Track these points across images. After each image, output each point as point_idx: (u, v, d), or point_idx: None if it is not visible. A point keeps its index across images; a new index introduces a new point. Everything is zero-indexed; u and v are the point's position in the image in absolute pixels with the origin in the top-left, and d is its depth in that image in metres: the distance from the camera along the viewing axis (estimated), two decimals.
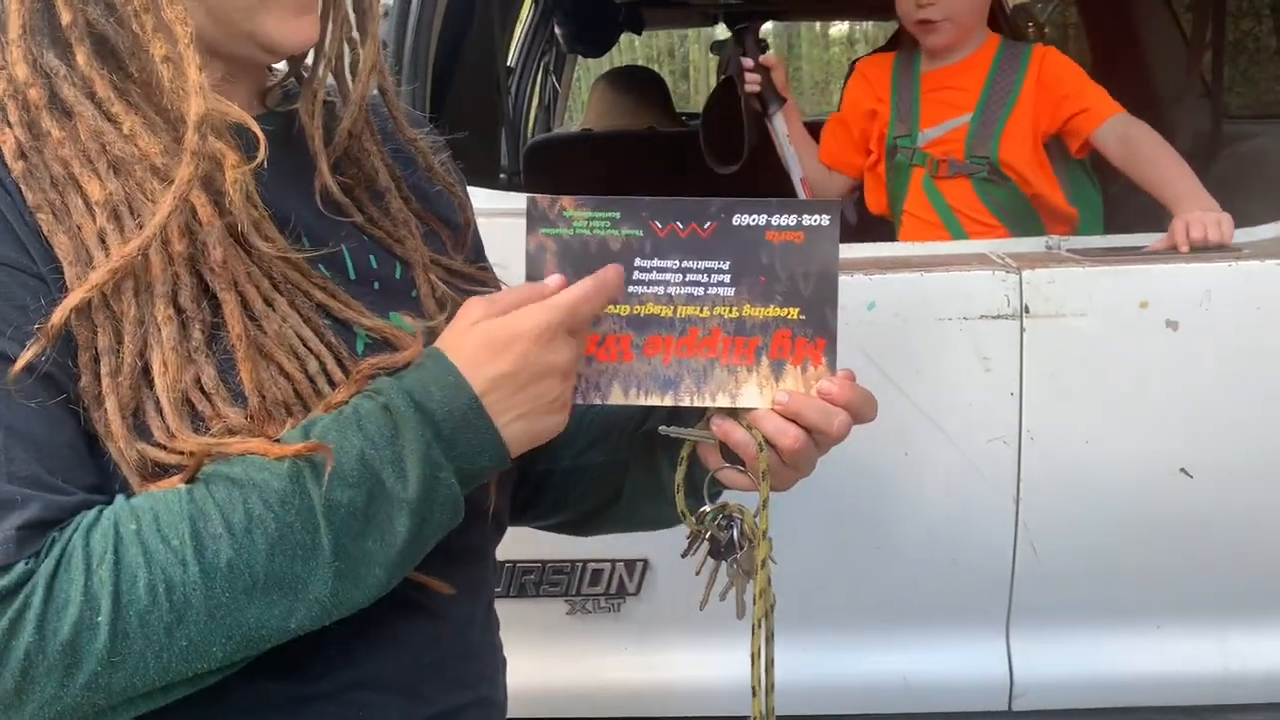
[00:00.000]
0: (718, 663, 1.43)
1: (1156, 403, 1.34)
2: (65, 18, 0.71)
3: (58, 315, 0.66)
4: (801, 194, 2.07)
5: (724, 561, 0.87)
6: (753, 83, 2.09)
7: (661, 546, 1.40)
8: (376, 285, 0.82)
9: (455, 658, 0.83)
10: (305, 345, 0.74)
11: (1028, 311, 1.32)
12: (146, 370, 0.68)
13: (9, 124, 0.70)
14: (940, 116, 1.90)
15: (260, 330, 0.72)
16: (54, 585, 0.62)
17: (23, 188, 0.68)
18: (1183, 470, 1.34)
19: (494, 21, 2.57)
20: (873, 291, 1.32)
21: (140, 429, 0.68)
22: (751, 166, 2.21)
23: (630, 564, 1.43)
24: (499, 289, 0.90)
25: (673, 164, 3.66)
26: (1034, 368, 1.33)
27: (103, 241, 0.68)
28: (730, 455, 0.84)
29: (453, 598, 0.80)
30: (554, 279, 0.77)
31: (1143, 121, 1.74)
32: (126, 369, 0.68)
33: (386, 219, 0.85)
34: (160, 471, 0.68)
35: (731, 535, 0.87)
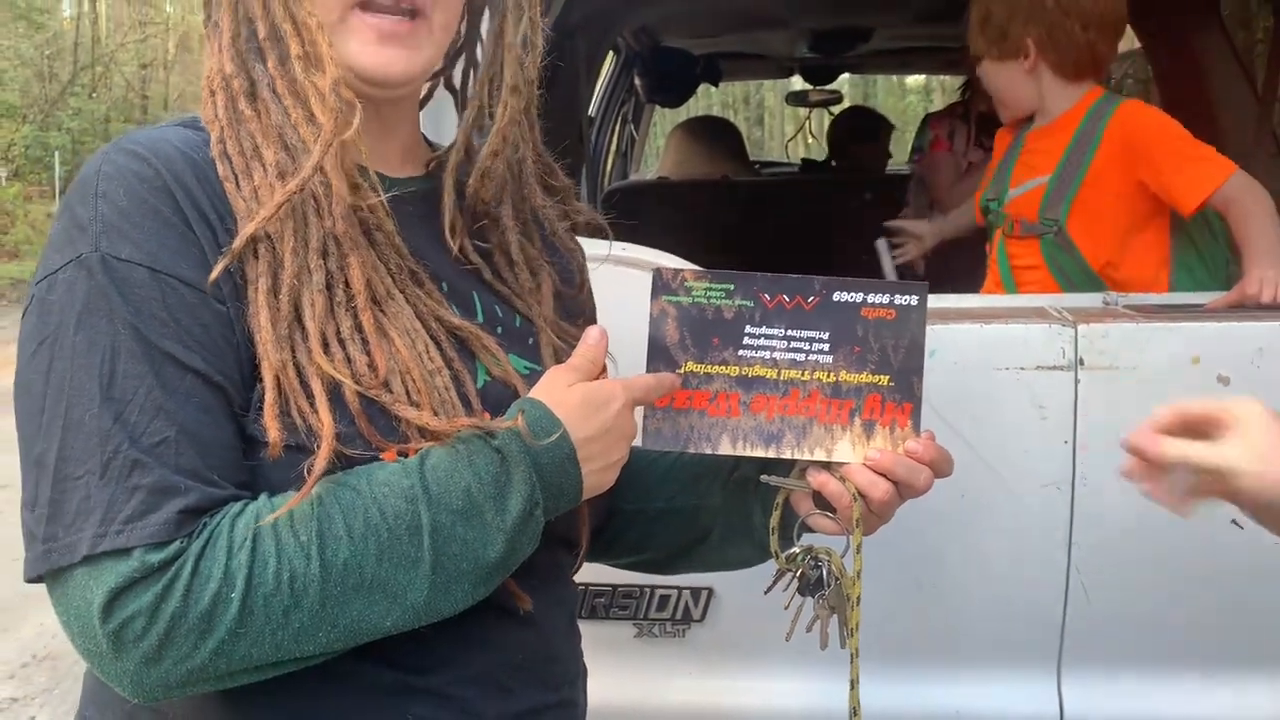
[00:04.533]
0: (777, 691, 1.50)
1: None
2: (261, 30, 0.86)
3: (238, 242, 0.78)
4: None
5: (811, 597, 0.96)
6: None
7: (726, 575, 1.48)
8: (499, 330, 0.92)
9: (541, 661, 0.92)
10: (426, 341, 0.84)
11: (1083, 364, 1.38)
12: (296, 307, 0.80)
13: (216, 116, 0.85)
14: (1025, 176, 1.89)
15: (382, 312, 0.83)
16: (200, 562, 0.72)
17: (217, 164, 0.82)
18: (1233, 522, 1.38)
19: (580, 74, 2.70)
20: (934, 340, 1.39)
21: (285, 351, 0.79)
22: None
23: (696, 591, 1.51)
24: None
25: (745, 212, 3.76)
26: (1088, 418, 1.38)
27: (273, 191, 0.81)
28: (821, 503, 0.94)
29: (539, 608, 0.89)
30: (595, 330, 0.90)
31: (1252, 179, 1.66)
32: (284, 292, 0.79)
33: (515, 281, 0.95)
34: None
35: (820, 574, 0.96)
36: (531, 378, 0.89)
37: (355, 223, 0.83)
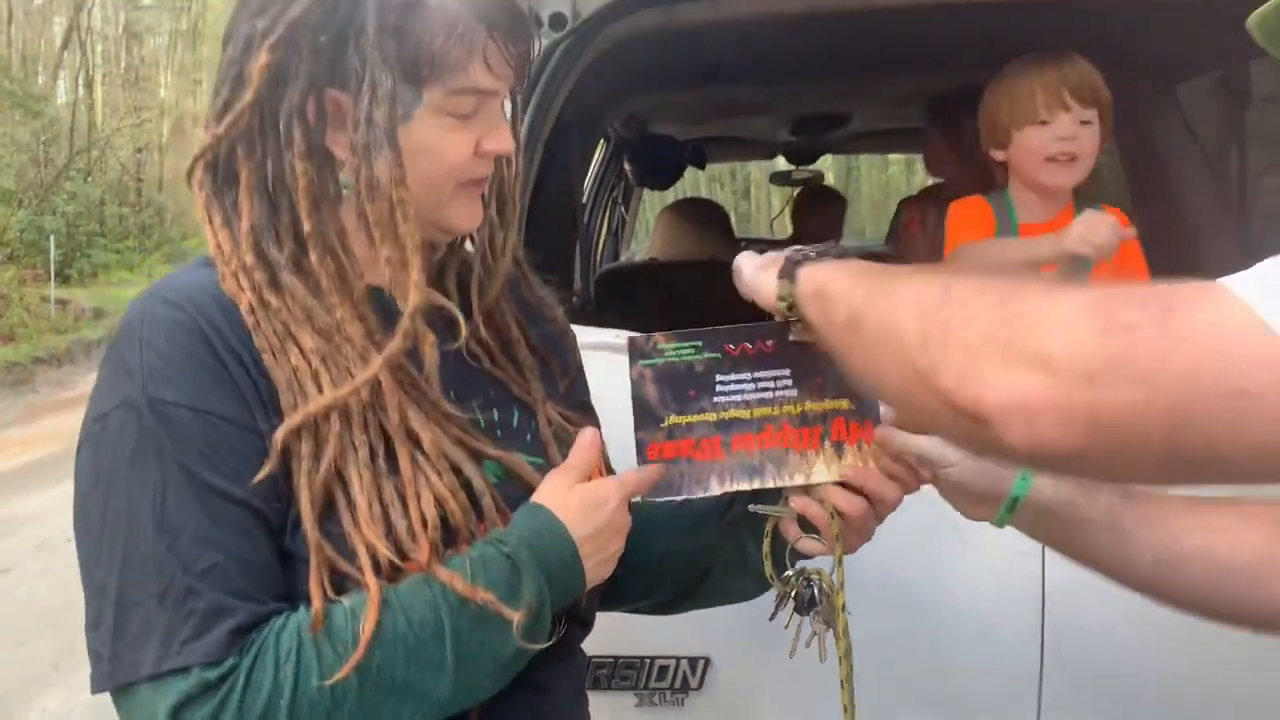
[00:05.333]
0: None
1: None
2: (307, 226, 0.91)
3: (281, 433, 0.86)
4: None
5: (807, 615, 1.07)
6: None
7: (722, 646, 1.56)
8: (499, 433, 1.01)
9: None
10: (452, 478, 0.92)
11: None
12: (341, 477, 0.87)
13: (240, 289, 0.90)
14: None
15: (419, 469, 0.90)
16: (251, 675, 0.81)
17: (252, 335, 0.89)
18: None
19: (574, 164, 2.83)
20: None
21: (327, 522, 0.87)
22: None
23: (694, 661, 1.58)
24: (596, 424, 1.10)
25: (732, 290, 3.86)
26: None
27: (315, 379, 0.88)
28: (807, 527, 1.04)
29: (551, 678, 0.99)
30: (589, 432, 0.99)
31: None
32: (321, 473, 0.87)
33: (512, 365, 1.05)
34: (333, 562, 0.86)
35: (812, 593, 1.06)
36: (538, 470, 0.98)
37: (407, 400, 0.91)
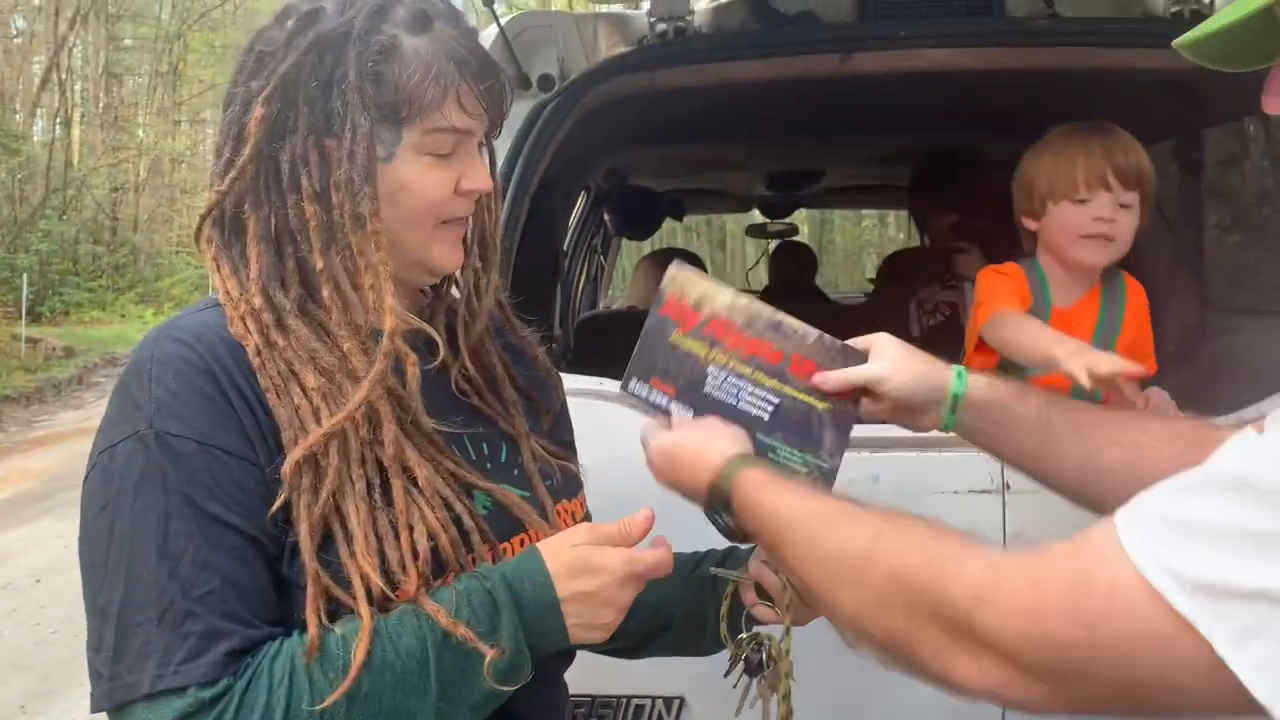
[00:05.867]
0: None
1: None
2: (320, 264, 0.96)
3: (287, 465, 0.89)
4: None
5: (755, 678, 1.10)
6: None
7: (696, 686, 1.60)
8: (489, 465, 1.05)
9: None
10: (444, 511, 0.96)
11: (1009, 488, 1.55)
12: (339, 510, 0.90)
13: (248, 332, 0.94)
14: None
15: (413, 502, 0.94)
16: (244, 698, 0.85)
17: (257, 376, 0.93)
18: None
19: (556, 216, 2.89)
20: (878, 467, 1.55)
21: (324, 552, 0.90)
22: None
23: (669, 701, 1.62)
24: (576, 463, 1.16)
25: None
26: (1015, 538, 1.53)
27: (316, 416, 0.93)
28: (763, 595, 1.09)
29: (535, 711, 1.03)
30: (646, 511, 0.99)
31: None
32: (320, 505, 0.90)
33: (498, 401, 1.10)
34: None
35: (761, 657, 1.10)
36: (526, 502, 1.03)
37: (400, 434, 0.95)
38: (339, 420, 0.91)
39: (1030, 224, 1.78)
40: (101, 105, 23.37)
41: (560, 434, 1.19)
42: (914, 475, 1.56)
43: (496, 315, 1.13)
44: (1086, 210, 1.68)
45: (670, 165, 3.96)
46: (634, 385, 1.07)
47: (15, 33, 21.29)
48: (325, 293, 0.96)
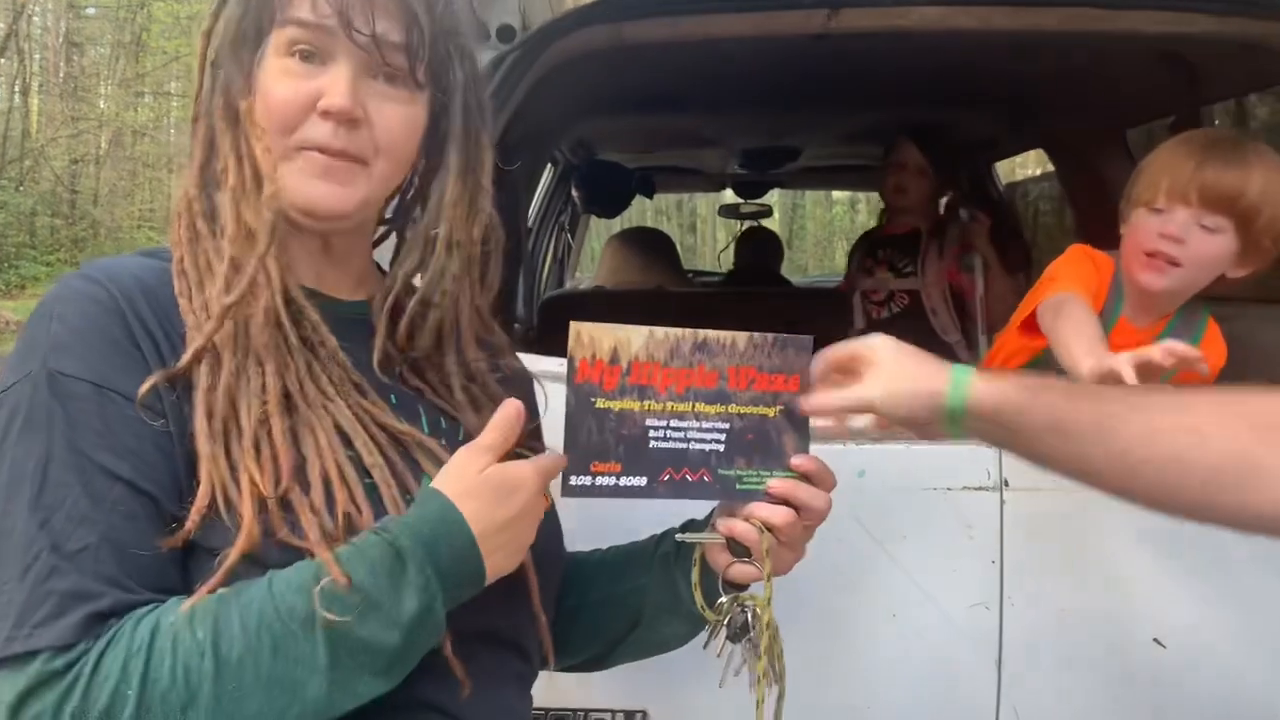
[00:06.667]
0: None
1: (1128, 576, 1.42)
2: (222, 164, 0.93)
3: (186, 356, 0.85)
4: None
5: (740, 643, 1.02)
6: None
7: (658, 698, 1.46)
8: (443, 441, 0.96)
9: None
10: (365, 439, 0.89)
11: (1007, 485, 1.41)
12: (234, 407, 0.85)
13: (180, 238, 0.92)
14: None
15: (325, 412, 0.88)
16: (100, 661, 0.75)
17: (175, 280, 0.89)
18: (1155, 640, 1.41)
19: (520, 187, 2.74)
20: (865, 461, 1.42)
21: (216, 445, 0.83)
22: None
23: (630, 714, 1.48)
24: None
25: (679, 321, 3.80)
26: (1014, 537, 1.41)
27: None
28: (737, 551, 1.01)
29: (482, 714, 0.91)
30: (514, 404, 0.91)
31: None
32: (221, 392, 0.84)
33: (451, 399, 1.01)
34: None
35: (745, 619, 1.02)
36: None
37: (288, 334, 0.90)
38: (231, 301, 0.87)
39: (1122, 228, 1.64)
40: (62, 75, 22.90)
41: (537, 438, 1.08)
42: (904, 469, 1.42)
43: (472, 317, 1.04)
44: (1158, 223, 1.55)
45: (641, 137, 3.85)
46: (575, 482, 0.96)
47: None
48: (231, 179, 0.92)
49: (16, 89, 21.27)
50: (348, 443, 0.88)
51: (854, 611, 1.43)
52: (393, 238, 1.11)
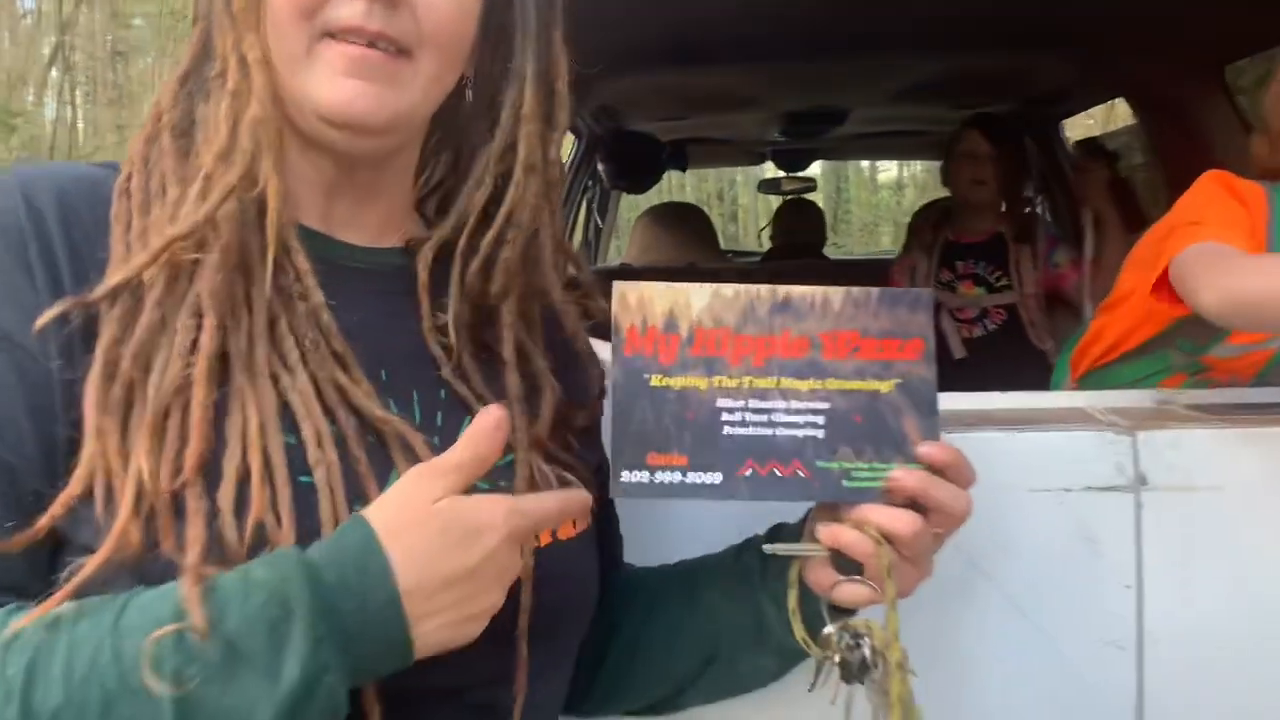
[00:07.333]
0: None
1: None
2: (218, 68, 0.76)
3: (100, 289, 0.68)
4: None
5: (860, 684, 0.83)
6: None
7: None
8: (437, 440, 0.76)
9: None
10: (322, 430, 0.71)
11: (1145, 483, 1.08)
12: (146, 369, 0.68)
13: (133, 156, 0.76)
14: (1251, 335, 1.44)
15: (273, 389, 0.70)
16: None
17: (115, 200, 0.73)
18: None
19: None
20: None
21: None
22: None
23: None
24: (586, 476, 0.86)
25: None
26: (1155, 553, 1.08)
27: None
28: (845, 568, 0.81)
29: None
30: (495, 411, 0.71)
31: None
32: (130, 347, 0.68)
33: (489, 386, 0.82)
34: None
35: (863, 654, 0.83)
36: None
37: (256, 280, 0.73)
38: (177, 234, 0.69)
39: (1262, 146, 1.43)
40: (109, 84, 23.60)
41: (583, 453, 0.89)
42: (1004, 464, 1.10)
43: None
44: None
45: (671, 99, 3.60)
46: (628, 478, 0.80)
47: (23, 13, 21.57)
48: (230, 82, 0.75)
49: (64, 100, 21.91)
50: (293, 428, 0.70)
51: (943, 653, 1.10)
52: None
